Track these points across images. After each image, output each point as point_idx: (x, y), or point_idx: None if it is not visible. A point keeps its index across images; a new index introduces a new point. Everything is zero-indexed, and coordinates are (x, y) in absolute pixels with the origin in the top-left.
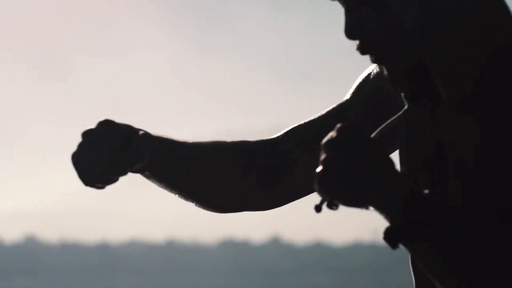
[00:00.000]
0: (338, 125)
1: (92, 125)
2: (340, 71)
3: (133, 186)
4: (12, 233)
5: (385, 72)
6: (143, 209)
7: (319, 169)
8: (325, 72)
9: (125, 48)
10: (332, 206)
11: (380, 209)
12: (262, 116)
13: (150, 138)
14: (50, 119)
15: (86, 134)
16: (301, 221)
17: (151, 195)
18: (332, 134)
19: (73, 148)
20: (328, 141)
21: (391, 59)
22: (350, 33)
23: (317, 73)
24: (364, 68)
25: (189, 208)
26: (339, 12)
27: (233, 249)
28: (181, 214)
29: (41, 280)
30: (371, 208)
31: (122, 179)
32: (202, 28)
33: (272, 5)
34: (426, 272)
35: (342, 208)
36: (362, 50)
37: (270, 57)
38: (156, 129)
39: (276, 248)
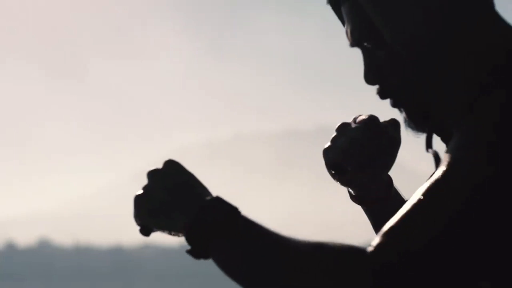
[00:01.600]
0: (167, 159)
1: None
2: (353, 75)
3: None
4: (25, 237)
5: (404, 115)
6: None
7: (136, 194)
8: (338, 76)
9: (141, 51)
10: (144, 232)
11: (182, 227)
12: (275, 118)
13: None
14: (65, 122)
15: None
16: (312, 222)
17: None
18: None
19: (87, 151)
20: (151, 170)
21: (409, 102)
22: (368, 78)
23: (330, 76)
24: None
25: None
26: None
27: None
28: None
29: (55, 283)
30: (178, 234)
31: (135, 182)
32: (216, 32)
33: (285, 10)
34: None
35: (352, 210)
36: (381, 94)
37: (283, 61)
38: (170, 130)
39: None
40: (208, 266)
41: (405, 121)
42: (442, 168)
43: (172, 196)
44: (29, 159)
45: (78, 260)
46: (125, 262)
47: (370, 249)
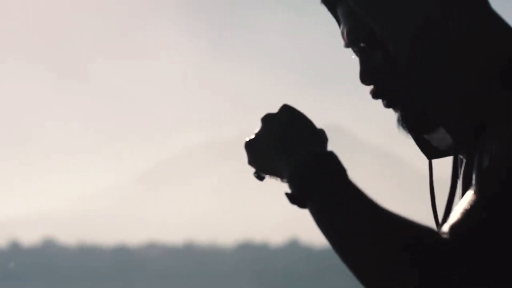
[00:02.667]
0: (283, 103)
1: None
2: (356, 75)
3: (151, 188)
4: (30, 236)
5: (398, 115)
6: (161, 212)
7: (247, 139)
8: (342, 75)
9: (143, 51)
10: (258, 176)
11: (286, 172)
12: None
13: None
14: (70, 122)
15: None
16: (314, 224)
17: (169, 198)
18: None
19: (91, 151)
20: (265, 115)
21: (404, 103)
22: (364, 78)
23: (333, 76)
24: None
25: (207, 211)
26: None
27: (251, 252)
28: (199, 217)
29: (59, 283)
30: (286, 180)
31: (139, 182)
32: (218, 32)
33: (287, 9)
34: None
35: None
36: (375, 95)
37: (286, 60)
38: (173, 130)
39: (294, 251)
40: (212, 266)
41: (398, 120)
42: (496, 161)
43: (281, 142)
44: (33, 159)
45: (82, 260)
46: (129, 262)
47: (444, 233)
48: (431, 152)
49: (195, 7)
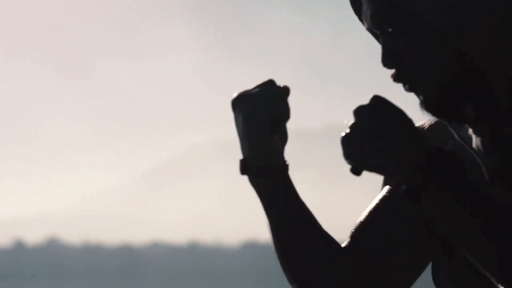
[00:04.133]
0: (372, 95)
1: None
2: (362, 75)
3: (155, 188)
4: (34, 235)
5: (420, 99)
6: (165, 212)
7: (343, 133)
8: (347, 76)
9: (148, 50)
10: (355, 171)
11: (397, 174)
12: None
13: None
14: (74, 121)
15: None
16: (325, 222)
17: (173, 198)
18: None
19: (96, 150)
20: (358, 107)
21: (426, 85)
22: (386, 62)
23: (338, 76)
24: (386, 72)
25: (211, 210)
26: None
27: (255, 251)
28: (203, 216)
29: (63, 282)
30: (392, 176)
31: (143, 181)
32: (224, 31)
33: (293, 9)
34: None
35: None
36: (397, 77)
37: (291, 60)
38: (178, 129)
39: None
40: (216, 265)
41: (421, 104)
42: None
43: (382, 138)
44: (37, 159)
45: (86, 259)
46: (133, 261)
47: None
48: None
49: (199, 7)
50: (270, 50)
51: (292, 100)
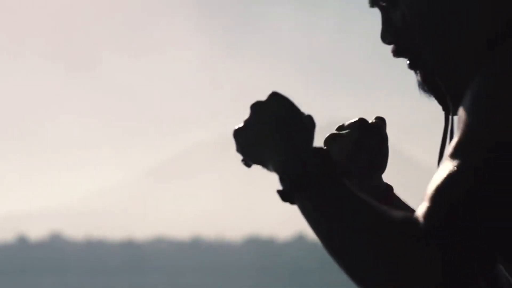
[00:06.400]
0: (272, 91)
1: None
2: (366, 71)
3: (158, 183)
4: (37, 231)
5: (418, 77)
6: (168, 207)
7: (236, 127)
8: (350, 72)
9: (154, 46)
10: (246, 163)
11: (276, 168)
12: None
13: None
14: (78, 117)
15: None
16: None
17: (176, 194)
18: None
19: (100, 146)
20: (254, 102)
21: (424, 63)
22: (384, 37)
23: (342, 72)
24: (389, 68)
25: (214, 206)
26: (365, 13)
27: (258, 246)
28: (206, 212)
29: (66, 277)
30: (273, 169)
31: (147, 177)
32: (229, 28)
33: (298, 5)
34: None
35: None
36: (396, 53)
37: (296, 57)
38: (183, 126)
39: (302, 245)
40: (219, 260)
41: (419, 84)
42: (465, 121)
43: (267, 133)
44: (40, 154)
45: (90, 255)
46: (137, 257)
47: (419, 216)
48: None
49: (204, 3)
50: (274, 46)
51: (295, 96)
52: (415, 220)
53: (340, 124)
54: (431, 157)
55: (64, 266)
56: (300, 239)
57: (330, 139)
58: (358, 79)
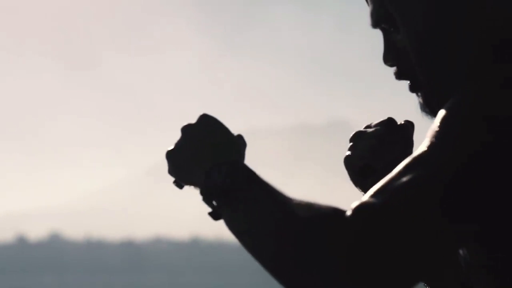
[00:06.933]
0: (201, 113)
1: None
2: (366, 70)
3: (158, 183)
4: (37, 231)
5: (420, 99)
6: (167, 207)
7: (168, 149)
8: (351, 70)
9: (154, 45)
10: (177, 185)
11: (200, 185)
12: (288, 113)
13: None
14: (78, 117)
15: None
16: None
17: (175, 193)
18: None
19: (100, 146)
20: (185, 125)
21: (424, 87)
22: (386, 59)
23: (343, 71)
24: (390, 68)
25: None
26: (365, 13)
27: None
28: (205, 212)
29: (66, 277)
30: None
31: (146, 177)
32: (230, 27)
33: (299, 4)
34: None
35: None
36: (397, 75)
37: (296, 55)
38: (180, 125)
39: None
40: (218, 260)
41: (421, 105)
42: (433, 129)
43: (195, 154)
44: (40, 153)
45: (89, 254)
46: (137, 256)
47: (349, 211)
48: None
49: (205, 2)
50: (275, 45)
51: (297, 95)
52: (342, 212)
53: (368, 123)
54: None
55: (63, 266)
56: None
57: (356, 135)
58: (358, 79)
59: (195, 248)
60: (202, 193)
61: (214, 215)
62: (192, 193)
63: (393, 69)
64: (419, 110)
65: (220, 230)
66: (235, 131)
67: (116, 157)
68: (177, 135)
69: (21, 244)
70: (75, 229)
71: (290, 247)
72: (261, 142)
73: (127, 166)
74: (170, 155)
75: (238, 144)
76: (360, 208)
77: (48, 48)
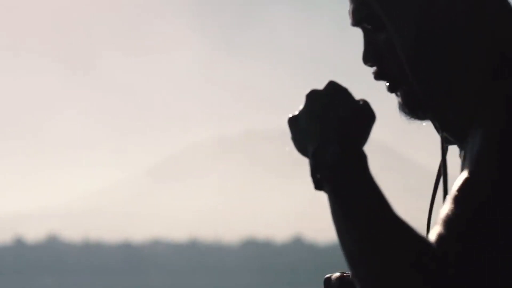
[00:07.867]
0: (330, 80)
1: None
2: (366, 70)
3: (156, 184)
4: (34, 232)
5: (399, 100)
6: (166, 208)
7: (290, 115)
8: (351, 71)
9: (153, 46)
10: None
11: (313, 157)
12: (287, 114)
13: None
14: (76, 117)
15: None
16: (323, 220)
17: (174, 194)
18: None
19: (98, 147)
20: (310, 91)
21: (404, 88)
22: (366, 59)
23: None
24: None
25: (212, 207)
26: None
27: (255, 248)
28: (203, 213)
29: (63, 279)
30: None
31: (144, 178)
32: (228, 27)
33: (297, 4)
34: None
35: None
36: (377, 76)
37: (295, 56)
38: (182, 126)
39: (298, 247)
40: (216, 262)
41: (400, 106)
42: (475, 164)
43: (310, 122)
44: (38, 154)
45: (87, 256)
46: (135, 258)
47: (431, 240)
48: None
49: (203, 2)
50: (274, 46)
51: (296, 96)
52: (428, 242)
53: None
54: (431, 158)
55: (61, 267)
56: (297, 241)
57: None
58: (358, 79)
59: (194, 249)
60: (310, 164)
61: (316, 185)
62: (191, 194)
63: (373, 69)
64: (397, 110)
65: (218, 232)
66: (235, 131)
67: (114, 158)
68: (175, 138)
69: (19, 246)
70: (73, 230)
71: (376, 256)
72: (260, 144)
73: (125, 167)
74: (291, 121)
75: (361, 119)
76: (442, 240)
77: (48, 48)
